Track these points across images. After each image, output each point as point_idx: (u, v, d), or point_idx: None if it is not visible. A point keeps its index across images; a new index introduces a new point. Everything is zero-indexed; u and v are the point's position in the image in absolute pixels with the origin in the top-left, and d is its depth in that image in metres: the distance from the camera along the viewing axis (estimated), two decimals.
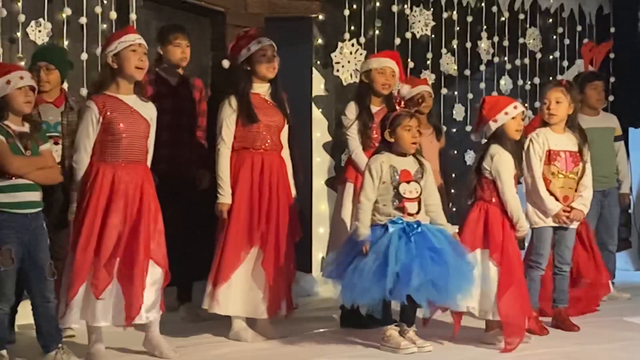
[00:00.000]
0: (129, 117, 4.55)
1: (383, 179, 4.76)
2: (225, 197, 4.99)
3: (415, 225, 4.69)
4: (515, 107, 4.95)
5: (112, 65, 4.57)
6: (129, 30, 4.74)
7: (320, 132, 7.22)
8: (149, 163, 4.69)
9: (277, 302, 5.05)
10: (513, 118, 4.93)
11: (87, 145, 4.52)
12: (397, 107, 4.87)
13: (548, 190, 5.27)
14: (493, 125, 4.93)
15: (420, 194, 4.78)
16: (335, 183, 6.40)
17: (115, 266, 4.47)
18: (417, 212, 4.75)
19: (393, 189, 4.75)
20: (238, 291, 4.99)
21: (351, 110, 5.46)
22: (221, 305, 4.98)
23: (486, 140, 5.00)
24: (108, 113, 4.51)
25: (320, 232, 7.05)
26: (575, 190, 5.34)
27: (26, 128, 4.36)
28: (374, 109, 5.46)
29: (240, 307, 5.01)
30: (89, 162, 4.53)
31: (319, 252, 7.04)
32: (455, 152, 7.68)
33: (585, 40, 8.25)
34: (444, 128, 7.01)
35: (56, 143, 4.97)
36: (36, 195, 4.36)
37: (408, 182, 4.77)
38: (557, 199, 5.28)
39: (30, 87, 4.37)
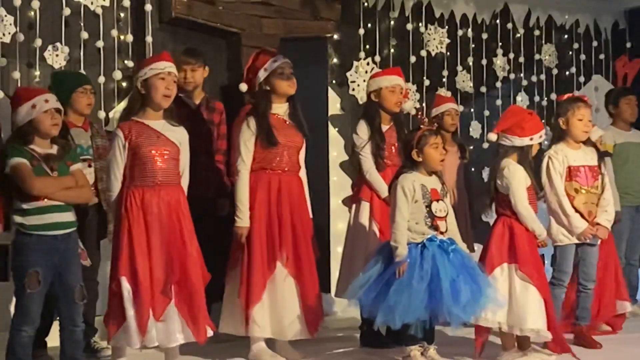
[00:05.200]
0: (155, 141, 4.60)
1: (415, 198, 4.75)
2: (243, 220, 4.98)
3: (449, 242, 4.70)
4: (540, 137, 4.93)
5: (141, 91, 4.61)
6: (162, 57, 4.76)
7: (336, 151, 7.22)
8: (183, 185, 4.74)
9: (310, 322, 5.03)
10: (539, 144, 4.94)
11: (116, 172, 4.59)
12: (422, 126, 4.85)
13: (572, 207, 5.24)
14: (517, 142, 4.89)
15: (448, 213, 4.78)
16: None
17: (172, 288, 4.54)
18: (446, 231, 4.76)
19: (425, 208, 4.74)
20: (268, 312, 4.97)
21: (363, 130, 5.47)
22: (261, 327, 4.94)
23: (499, 152, 4.97)
24: (134, 138, 4.57)
25: (339, 251, 7.00)
26: (597, 205, 5.31)
27: (54, 150, 4.38)
28: (384, 127, 5.49)
29: (270, 328, 4.98)
30: (122, 187, 4.59)
31: (337, 272, 7.01)
32: (472, 169, 7.65)
33: (601, 56, 8.25)
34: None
35: (89, 166, 5.06)
36: (67, 216, 4.38)
37: (437, 200, 4.77)
38: (582, 216, 5.25)
39: (56, 109, 4.40)
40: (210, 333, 4.69)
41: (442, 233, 4.74)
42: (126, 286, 4.49)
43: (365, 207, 5.44)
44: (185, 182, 4.76)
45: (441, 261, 4.61)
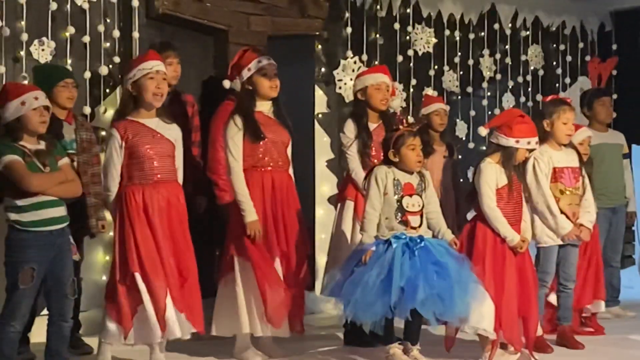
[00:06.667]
0: (151, 139, 4.64)
1: (386, 190, 4.74)
2: (252, 213, 4.90)
3: (418, 240, 4.67)
4: (528, 143, 4.90)
5: (132, 92, 4.64)
6: (149, 56, 4.78)
7: (322, 149, 7.22)
8: (180, 181, 4.78)
9: (296, 318, 5.05)
10: (527, 150, 4.93)
11: (113, 172, 4.63)
12: (401, 127, 4.85)
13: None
14: (503, 142, 4.90)
15: (423, 208, 4.77)
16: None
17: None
18: (420, 226, 4.74)
19: (396, 202, 4.73)
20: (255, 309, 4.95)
21: (350, 128, 5.47)
22: (242, 324, 4.94)
23: (487, 147, 4.98)
24: (130, 137, 4.60)
25: (324, 250, 7.01)
26: (579, 206, 5.32)
27: (42, 146, 4.37)
28: (372, 126, 5.48)
29: (251, 324, 4.96)
30: (120, 186, 4.63)
31: (321, 271, 7.01)
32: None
33: (587, 58, 8.28)
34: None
35: (72, 160, 4.98)
36: (61, 211, 4.37)
37: (411, 195, 4.76)
38: (567, 217, 5.27)
39: (45, 107, 4.38)
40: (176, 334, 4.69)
41: (413, 228, 4.71)
42: (140, 282, 4.53)
43: (349, 206, 5.44)
44: (180, 178, 4.80)
45: (399, 258, 4.57)
